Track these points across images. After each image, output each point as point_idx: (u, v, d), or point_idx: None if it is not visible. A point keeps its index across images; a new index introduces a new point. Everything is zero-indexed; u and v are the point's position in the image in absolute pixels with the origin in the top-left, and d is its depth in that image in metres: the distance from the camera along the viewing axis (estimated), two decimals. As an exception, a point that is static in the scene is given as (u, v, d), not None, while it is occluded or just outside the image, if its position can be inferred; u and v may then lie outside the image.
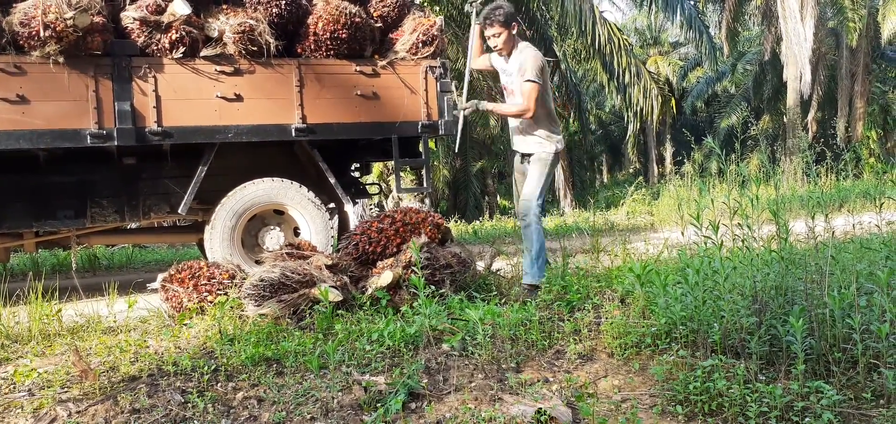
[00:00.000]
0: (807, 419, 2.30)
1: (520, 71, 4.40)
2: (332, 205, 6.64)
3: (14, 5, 5.07)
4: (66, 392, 2.86)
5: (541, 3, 14.47)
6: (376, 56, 6.09)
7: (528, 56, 4.41)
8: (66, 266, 7.87)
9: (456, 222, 14.42)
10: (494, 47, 4.53)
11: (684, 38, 20.66)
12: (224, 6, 5.67)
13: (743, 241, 3.24)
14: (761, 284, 3.01)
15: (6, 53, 5.04)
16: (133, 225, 6.51)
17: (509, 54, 4.53)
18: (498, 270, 5.01)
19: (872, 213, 3.40)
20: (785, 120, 21.44)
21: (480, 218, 16.01)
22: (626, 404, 2.62)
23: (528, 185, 4.51)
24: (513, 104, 4.52)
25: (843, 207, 8.86)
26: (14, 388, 2.95)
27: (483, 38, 4.67)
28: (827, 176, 12.24)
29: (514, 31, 4.49)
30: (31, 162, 5.70)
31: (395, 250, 4.39)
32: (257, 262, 5.62)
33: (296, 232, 6.08)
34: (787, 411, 2.36)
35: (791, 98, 19.22)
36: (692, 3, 18.29)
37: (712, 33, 21.12)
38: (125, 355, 3.30)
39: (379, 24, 6.13)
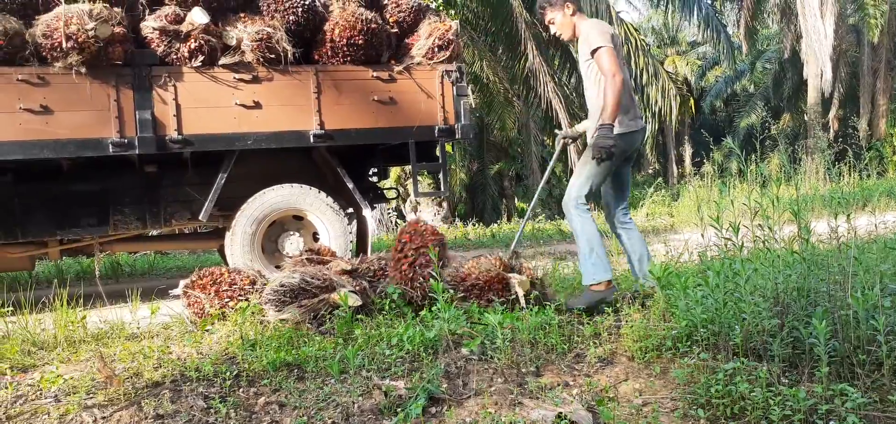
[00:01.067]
0: (831, 422, 2.28)
1: (587, 46, 3.90)
2: (350, 210, 6.68)
3: (37, 17, 5.16)
4: (91, 398, 2.90)
5: (557, 4, 14.43)
6: (393, 61, 6.11)
7: (588, 27, 3.92)
8: (90, 273, 7.98)
9: (474, 225, 14.41)
10: (558, 35, 4.12)
11: (702, 37, 20.47)
12: (242, 15, 5.72)
13: (764, 242, 3.21)
14: (783, 285, 2.98)
15: (29, 65, 5.13)
16: (155, 232, 6.59)
17: (577, 39, 4.02)
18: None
19: (896, 212, 3.36)
20: (806, 119, 21.20)
21: (498, 221, 15.98)
22: (647, 408, 2.60)
23: (573, 175, 4.05)
24: (604, 85, 3.81)
25: (867, 206, 8.74)
26: (41, 394, 2.99)
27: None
28: (849, 175, 12.07)
29: (570, 12, 4.02)
30: (55, 171, 5.79)
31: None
32: (277, 268, 5.66)
33: (315, 237, 6.11)
34: (810, 414, 2.34)
35: (812, 96, 19.00)
36: (709, 1, 18.17)
37: (730, 32, 20.93)
38: (148, 361, 3.34)
39: (395, 30, 6.15)
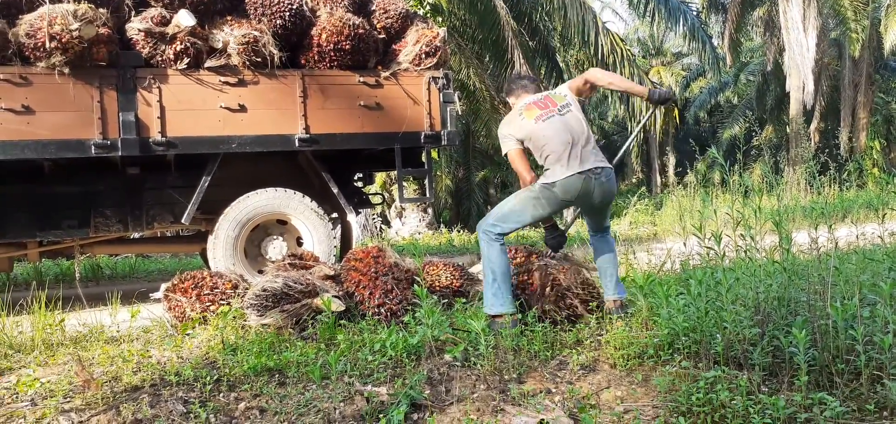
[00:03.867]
0: (810, 430, 2.30)
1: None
2: (334, 215, 6.65)
3: (20, 17, 5.10)
4: (68, 402, 2.86)
5: (544, 14, 14.51)
6: (379, 67, 6.10)
7: (500, 129, 3.97)
8: (70, 276, 7.89)
9: (459, 232, 14.41)
10: None
11: (687, 48, 20.63)
12: (228, 17, 5.70)
13: (745, 252, 3.24)
14: (764, 295, 3.01)
15: (12, 64, 5.07)
16: (136, 235, 6.53)
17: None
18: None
19: (875, 224, 3.40)
20: (788, 130, 21.45)
21: (483, 228, 15.97)
22: (629, 415, 2.61)
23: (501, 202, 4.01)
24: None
25: (847, 217, 8.84)
26: (17, 398, 2.95)
27: None
28: (830, 186, 12.21)
29: (510, 99, 4.12)
30: (36, 172, 5.72)
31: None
32: (260, 272, 5.63)
33: (298, 242, 6.08)
34: (789, 422, 2.35)
35: (794, 108, 19.23)
36: (695, 12, 18.32)
37: (715, 44, 21.12)
38: (128, 365, 3.31)
39: (382, 36, 6.15)
